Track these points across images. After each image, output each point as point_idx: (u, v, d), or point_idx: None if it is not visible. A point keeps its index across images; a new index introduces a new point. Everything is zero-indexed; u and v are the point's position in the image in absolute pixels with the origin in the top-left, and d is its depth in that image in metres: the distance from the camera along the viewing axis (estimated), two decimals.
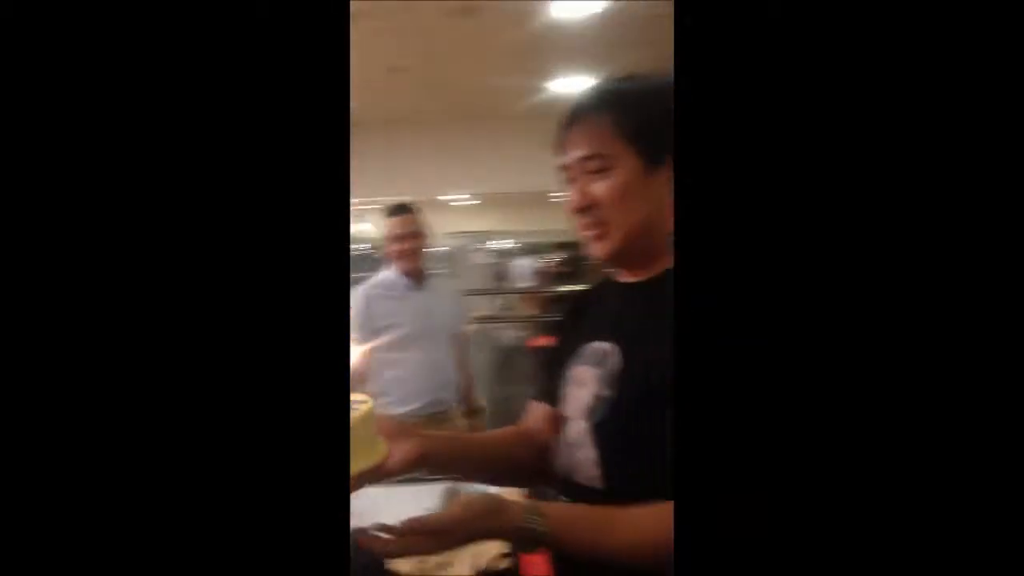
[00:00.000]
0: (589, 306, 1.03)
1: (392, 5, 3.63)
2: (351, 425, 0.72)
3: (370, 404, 0.76)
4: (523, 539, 0.73)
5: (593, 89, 0.90)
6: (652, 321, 0.85)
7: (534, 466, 0.98)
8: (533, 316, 6.72)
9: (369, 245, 5.45)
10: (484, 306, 6.53)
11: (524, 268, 9.09)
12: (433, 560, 1.20)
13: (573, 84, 5.35)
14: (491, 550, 1.24)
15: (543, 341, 5.07)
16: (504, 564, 1.21)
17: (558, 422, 0.95)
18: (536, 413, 1.02)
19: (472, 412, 2.74)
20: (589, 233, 0.87)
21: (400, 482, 1.04)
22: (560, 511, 0.77)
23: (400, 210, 2.54)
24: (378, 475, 0.78)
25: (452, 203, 8.60)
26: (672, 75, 0.91)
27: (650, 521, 0.74)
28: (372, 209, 5.34)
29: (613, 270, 0.98)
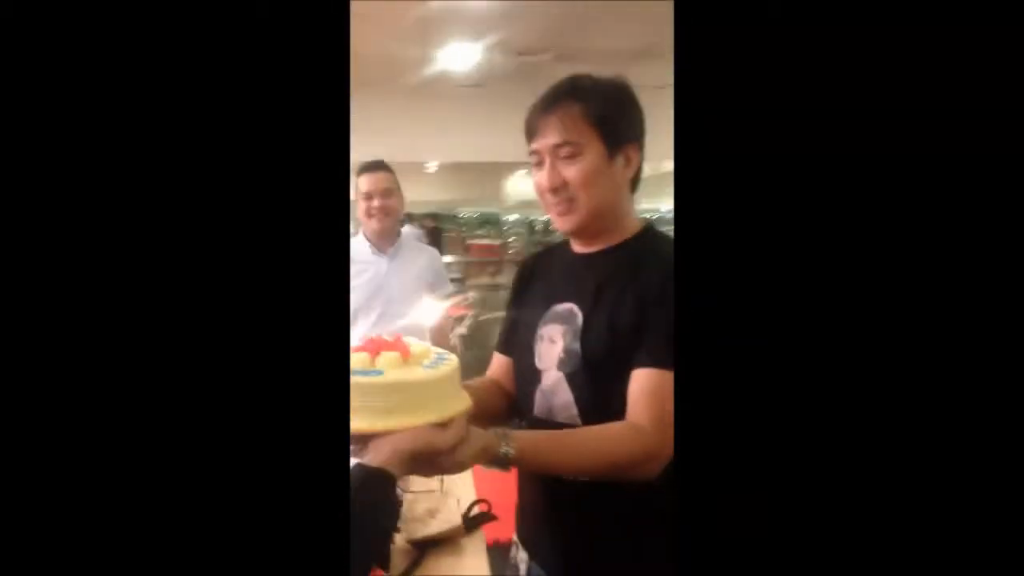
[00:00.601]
0: (540, 271, 1.17)
1: None
2: (445, 376, 0.80)
3: (455, 360, 0.84)
4: (498, 461, 0.86)
5: (564, 82, 1.03)
6: (607, 285, 1.01)
7: (505, 409, 1.13)
8: None
9: None
10: None
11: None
12: (422, 507, 1.33)
13: (460, 56, 5.41)
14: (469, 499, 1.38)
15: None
16: (479, 510, 1.35)
17: (519, 372, 1.10)
18: (501, 364, 1.17)
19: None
20: (557, 210, 1.01)
21: None
22: (530, 438, 0.91)
23: (372, 167, 2.32)
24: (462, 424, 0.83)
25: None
26: (622, 74, 1.06)
27: (603, 439, 0.90)
28: None
29: (564, 241, 1.13)
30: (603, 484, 0.96)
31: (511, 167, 16.17)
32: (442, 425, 0.77)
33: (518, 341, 1.12)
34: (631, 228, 1.07)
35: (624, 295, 0.98)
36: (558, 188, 0.99)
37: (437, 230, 12.21)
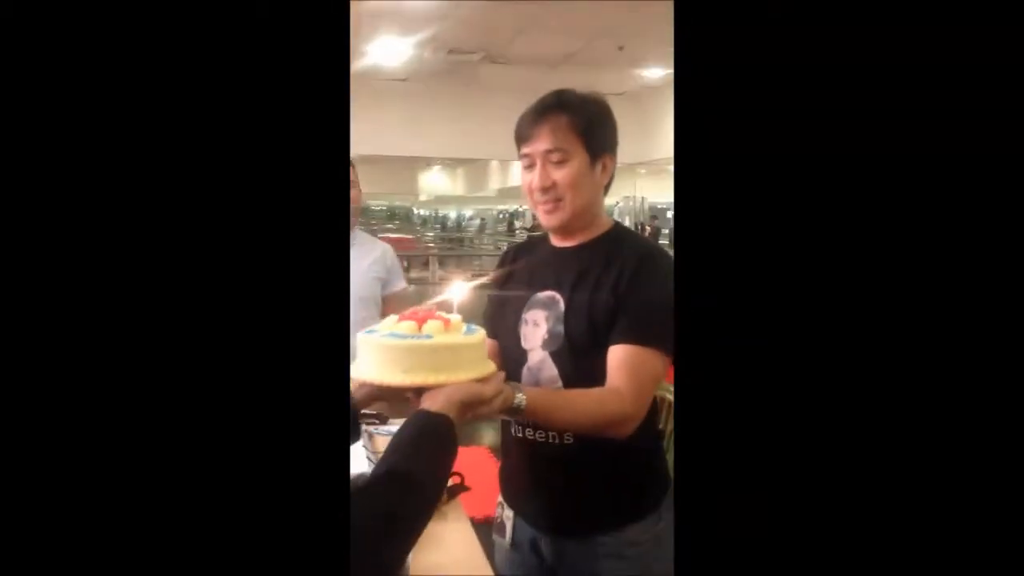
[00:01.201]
0: (521, 263, 1.32)
1: None
2: (479, 341, 0.94)
3: (483, 332, 0.97)
4: (512, 410, 0.98)
5: (551, 96, 1.17)
6: (585, 274, 1.17)
7: None
8: None
9: None
10: None
11: None
12: None
13: (390, 51, 5.47)
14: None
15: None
16: (452, 482, 1.46)
17: (506, 352, 1.24)
18: (489, 346, 1.30)
19: None
20: (545, 208, 1.16)
21: None
22: (534, 392, 1.04)
23: None
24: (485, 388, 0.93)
25: None
26: (598, 92, 1.21)
27: (590, 398, 1.06)
28: None
29: (544, 236, 1.28)
30: (580, 445, 1.11)
31: (427, 162, 16.19)
32: (483, 380, 0.91)
33: (504, 325, 1.26)
34: (604, 225, 1.22)
35: (600, 283, 1.14)
36: (548, 188, 1.13)
37: None
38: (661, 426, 1.39)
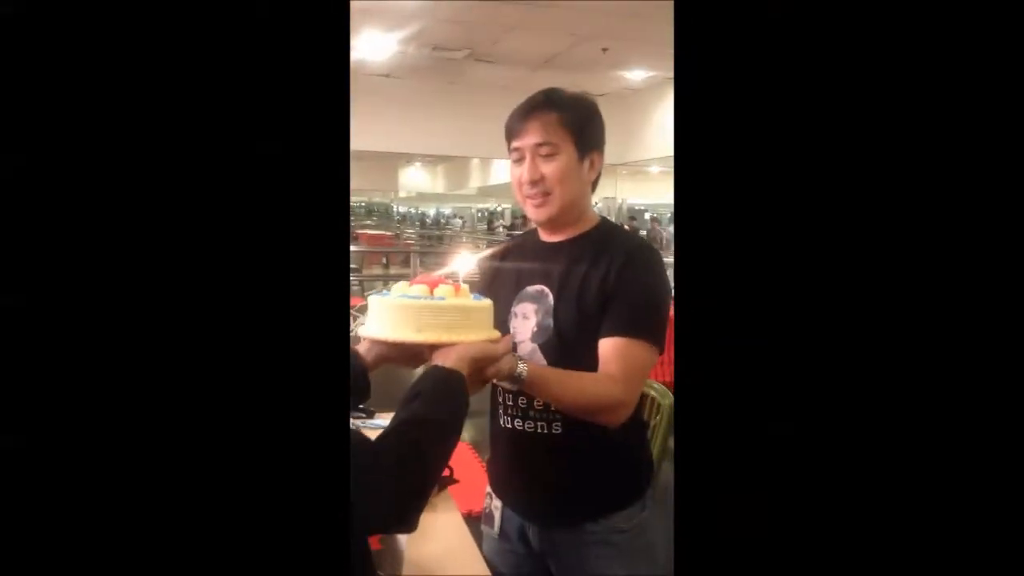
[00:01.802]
0: (511, 258, 1.34)
1: None
2: (488, 306, 0.98)
3: (490, 300, 1.01)
4: (514, 379, 1.01)
5: (540, 94, 1.19)
6: (573, 268, 1.19)
7: None
8: None
9: None
10: None
11: None
12: None
13: (375, 46, 5.46)
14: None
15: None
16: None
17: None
18: None
19: None
20: (534, 201, 1.18)
21: None
22: (535, 366, 1.07)
23: None
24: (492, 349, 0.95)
25: None
26: (587, 92, 1.23)
27: (586, 380, 1.09)
28: None
29: (533, 231, 1.30)
30: (568, 435, 1.14)
31: (408, 158, 16.12)
32: (493, 341, 0.95)
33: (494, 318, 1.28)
34: (591, 221, 1.25)
35: (589, 277, 1.16)
36: (536, 181, 1.16)
37: None
38: (645, 417, 1.42)
